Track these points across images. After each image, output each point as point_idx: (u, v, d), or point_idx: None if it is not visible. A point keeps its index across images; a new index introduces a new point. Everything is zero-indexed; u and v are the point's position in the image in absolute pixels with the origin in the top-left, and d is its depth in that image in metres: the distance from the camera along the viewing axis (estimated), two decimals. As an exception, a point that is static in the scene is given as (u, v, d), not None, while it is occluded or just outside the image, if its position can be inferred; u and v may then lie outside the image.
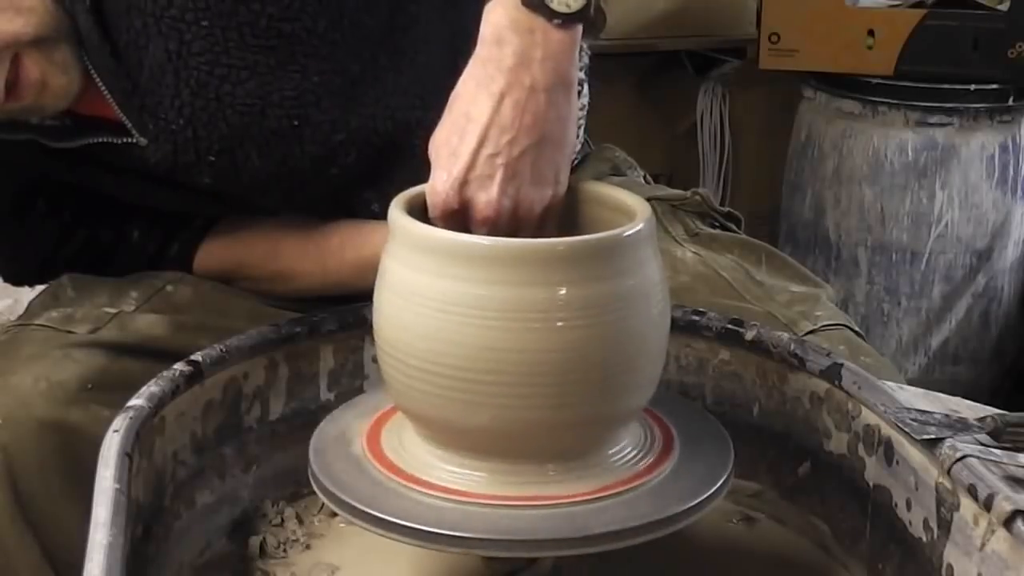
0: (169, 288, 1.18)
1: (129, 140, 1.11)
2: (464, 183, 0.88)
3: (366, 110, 1.13)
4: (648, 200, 0.89)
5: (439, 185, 0.89)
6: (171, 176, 1.14)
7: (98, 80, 1.08)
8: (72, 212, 1.24)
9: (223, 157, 1.11)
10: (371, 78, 1.13)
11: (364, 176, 1.16)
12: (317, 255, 1.19)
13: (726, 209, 1.32)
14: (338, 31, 1.09)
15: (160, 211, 1.22)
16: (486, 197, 0.88)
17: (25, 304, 1.19)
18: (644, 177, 1.40)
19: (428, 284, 0.81)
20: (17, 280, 1.32)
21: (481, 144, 0.88)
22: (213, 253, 1.23)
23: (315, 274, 1.20)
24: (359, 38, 1.11)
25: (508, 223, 0.89)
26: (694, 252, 1.22)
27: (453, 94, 0.92)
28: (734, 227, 1.31)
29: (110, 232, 1.24)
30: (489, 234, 0.88)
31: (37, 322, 1.10)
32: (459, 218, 0.90)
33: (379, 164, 1.16)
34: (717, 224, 1.30)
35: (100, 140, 1.12)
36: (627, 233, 0.83)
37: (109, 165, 1.16)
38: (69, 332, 1.08)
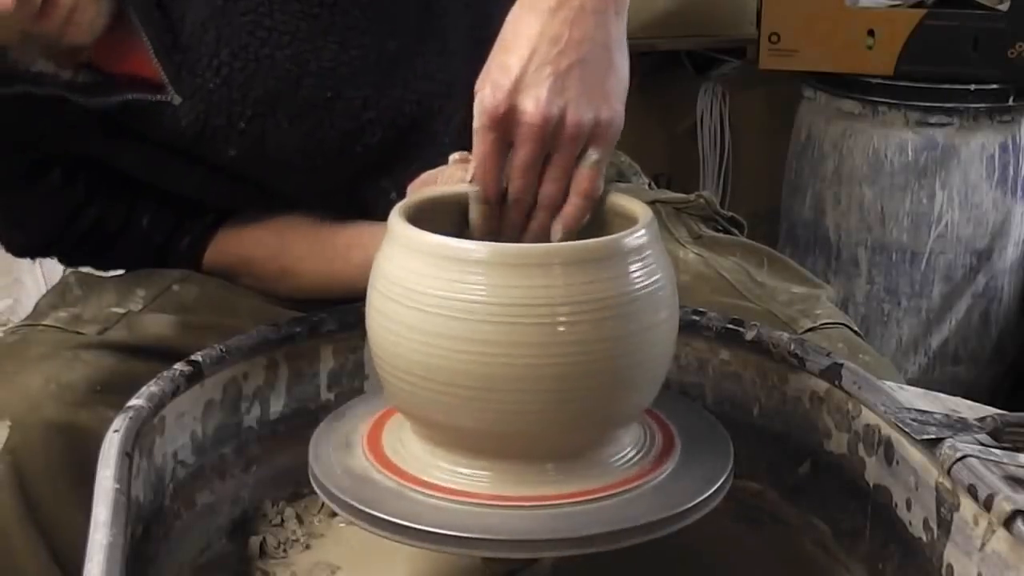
0: (176, 287, 1.18)
1: (163, 98, 1.11)
2: (514, 90, 0.87)
3: (395, 91, 1.14)
4: (652, 203, 0.89)
5: (487, 93, 0.87)
6: (197, 146, 1.13)
7: (142, 33, 1.08)
8: (86, 186, 1.22)
9: (254, 123, 1.12)
10: (404, 60, 1.14)
11: (384, 160, 1.17)
12: (324, 254, 1.19)
13: (729, 214, 1.33)
14: (380, 6, 1.11)
15: (173, 197, 1.22)
16: (535, 103, 0.87)
17: (25, 304, 1.20)
18: (648, 184, 1.40)
19: (425, 287, 0.81)
20: (19, 251, 1.30)
21: (532, 55, 0.87)
22: (222, 246, 1.23)
23: (320, 273, 1.20)
24: (398, 17, 1.13)
25: (554, 138, 0.88)
26: (696, 253, 1.23)
27: (504, 24, 0.91)
28: (736, 231, 1.31)
29: (120, 215, 1.23)
30: (533, 152, 0.87)
31: (45, 322, 1.10)
32: (502, 143, 0.88)
33: (400, 148, 1.16)
34: (720, 227, 1.30)
35: (132, 97, 1.11)
36: (627, 238, 0.82)
37: (135, 132, 1.15)
38: (78, 333, 1.08)
